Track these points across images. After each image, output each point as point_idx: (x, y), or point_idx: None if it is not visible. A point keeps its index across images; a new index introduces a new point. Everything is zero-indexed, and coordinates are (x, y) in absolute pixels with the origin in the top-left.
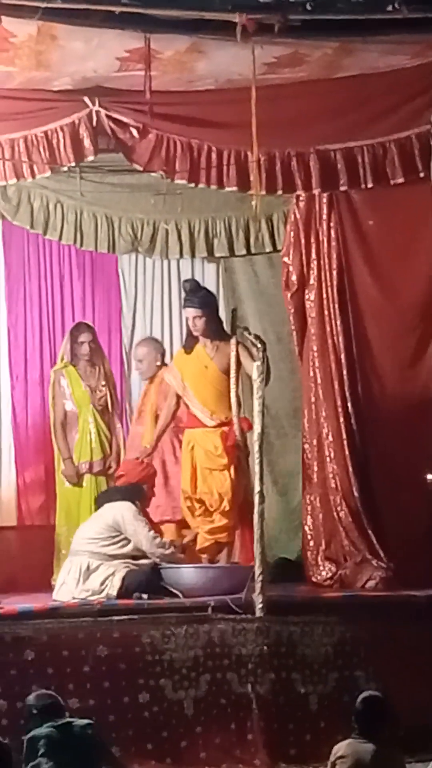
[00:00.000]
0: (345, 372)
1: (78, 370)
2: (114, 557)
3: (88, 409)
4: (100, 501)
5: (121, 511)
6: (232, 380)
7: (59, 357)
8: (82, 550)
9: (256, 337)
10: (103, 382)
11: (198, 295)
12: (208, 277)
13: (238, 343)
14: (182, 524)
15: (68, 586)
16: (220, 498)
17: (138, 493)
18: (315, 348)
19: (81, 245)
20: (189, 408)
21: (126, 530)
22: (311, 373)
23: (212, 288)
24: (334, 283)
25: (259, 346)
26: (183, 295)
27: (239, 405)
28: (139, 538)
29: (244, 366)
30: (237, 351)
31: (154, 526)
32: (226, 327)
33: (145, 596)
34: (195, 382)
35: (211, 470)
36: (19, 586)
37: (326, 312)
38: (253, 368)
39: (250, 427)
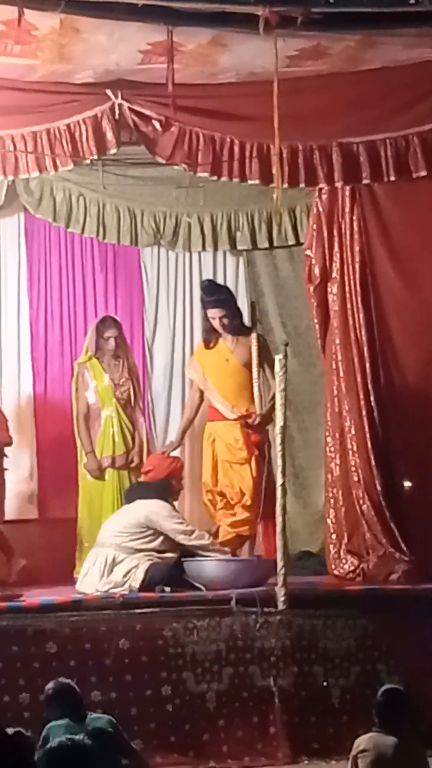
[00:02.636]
0: (368, 365)
1: (102, 363)
2: (140, 551)
3: (111, 403)
4: (129, 496)
5: (156, 509)
6: (254, 374)
7: (84, 350)
8: (109, 542)
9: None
10: (127, 376)
11: (218, 295)
12: (230, 270)
13: (258, 336)
14: None
15: (92, 578)
16: (241, 492)
17: (167, 489)
18: (337, 341)
19: (103, 238)
20: (210, 401)
21: (162, 528)
22: (334, 366)
23: (233, 281)
24: (357, 276)
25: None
26: (202, 295)
27: (261, 398)
28: (177, 535)
29: (263, 359)
30: (258, 344)
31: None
32: (247, 321)
33: (167, 589)
34: (216, 376)
35: (232, 464)
36: (41, 578)
37: (349, 305)
38: (276, 362)
39: (269, 421)
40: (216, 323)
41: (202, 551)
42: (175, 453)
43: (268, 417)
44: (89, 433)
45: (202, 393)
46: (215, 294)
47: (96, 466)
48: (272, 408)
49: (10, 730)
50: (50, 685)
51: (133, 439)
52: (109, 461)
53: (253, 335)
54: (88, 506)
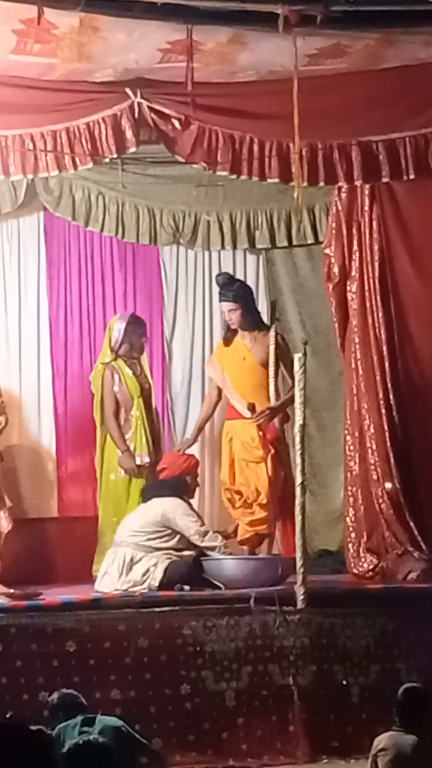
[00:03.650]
0: (387, 364)
1: (126, 362)
2: (158, 550)
3: (139, 402)
4: (145, 494)
5: (172, 507)
6: (271, 372)
7: (108, 348)
8: (127, 541)
9: (304, 341)
10: (145, 375)
11: (231, 289)
12: (249, 268)
13: (277, 334)
14: None
15: (111, 577)
16: (257, 490)
17: (183, 486)
18: (357, 340)
19: (122, 237)
20: (229, 400)
21: (177, 525)
22: (353, 365)
23: (253, 279)
24: (376, 274)
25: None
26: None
27: (278, 396)
28: (190, 533)
29: (281, 358)
30: (276, 343)
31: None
32: (266, 319)
33: (186, 587)
34: (233, 374)
35: (248, 462)
36: (60, 577)
37: (368, 304)
38: (295, 360)
39: (286, 419)
40: (226, 317)
41: (212, 553)
42: (193, 451)
43: (278, 410)
44: (122, 431)
45: (220, 391)
46: (228, 287)
47: (133, 464)
48: (283, 402)
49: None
50: (53, 695)
51: (155, 437)
52: (145, 459)
53: (271, 333)
54: (113, 505)
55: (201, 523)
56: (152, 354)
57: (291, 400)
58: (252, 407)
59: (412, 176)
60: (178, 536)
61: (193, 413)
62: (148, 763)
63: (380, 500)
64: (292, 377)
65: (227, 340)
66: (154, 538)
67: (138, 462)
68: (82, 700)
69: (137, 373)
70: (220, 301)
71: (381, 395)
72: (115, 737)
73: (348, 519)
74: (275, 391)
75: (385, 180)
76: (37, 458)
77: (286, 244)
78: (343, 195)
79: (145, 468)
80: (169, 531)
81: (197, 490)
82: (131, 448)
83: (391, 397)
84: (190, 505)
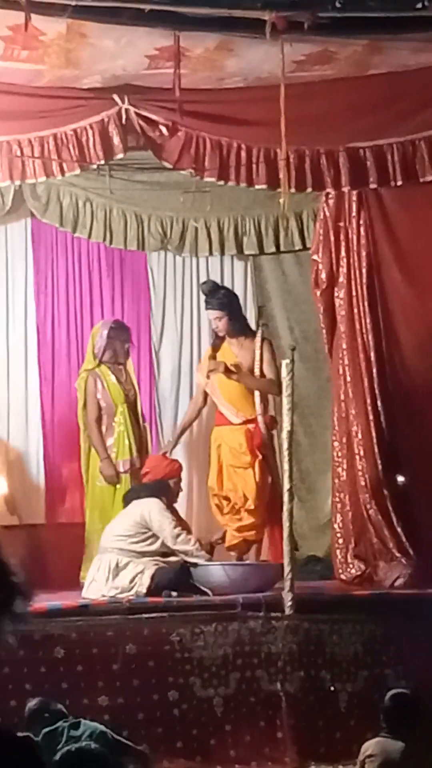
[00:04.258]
0: (374, 370)
1: (110, 368)
2: (143, 554)
3: (124, 408)
4: (127, 499)
5: (148, 506)
6: (257, 375)
7: (89, 355)
8: (111, 547)
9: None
10: (130, 381)
11: (217, 296)
12: (237, 274)
13: (263, 340)
14: None
15: (97, 584)
16: (244, 496)
17: (164, 489)
18: (344, 346)
19: (110, 243)
20: (217, 406)
21: (152, 526)
22: (341, 371)
23: (241, 286)
24: (364, 280)
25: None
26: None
27: (263, 402)
28: (164, 534)
29: (265, 363)
30: (261, 349)
31: (182, 523)
32: (253, 325)
33: (174, 594)
34: (221, 380)
35: (236, 468)
36: (47, 583)
37: (356, 310)
38: (283, 366)
39: (274, 425)
40: (213, 324)
41: (186, 556)
42: (179, 457)
43: (244, 378)
44: (103, 439)
45: (206, 396)
46: (213, 295)
47: (113, 471)
48: (258, 381)
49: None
50: (31, 703)
51: (140, 443)
52: (127, 466)
53: (257, 338)
54: (99, 512)
55: (176, 525)
56: (140, 360)
57: (266, 386)
58: (225, 367)
59: (399, 182)
60: (161, 539)
61: (181, 419)
62: (135, 764)
63: (368, 506)
64: (280, 383)
65: (215, 347)
66: (138, 542)
67: (121, 469)
68: (60, 706)
69: (122, 380)
70: (207, 309)
71: (369, 401)
72: (103, 743)
73: (336, 525)
74: (260, 397)
75: (372, 186)
76: (24, 464)
77: (273, 250)
78: (331, 201)
79: (126, 475)
80: (151, 533)
81: (185, 496)
82: (113, 455)
83: (378, 403)
84: (173, 510)
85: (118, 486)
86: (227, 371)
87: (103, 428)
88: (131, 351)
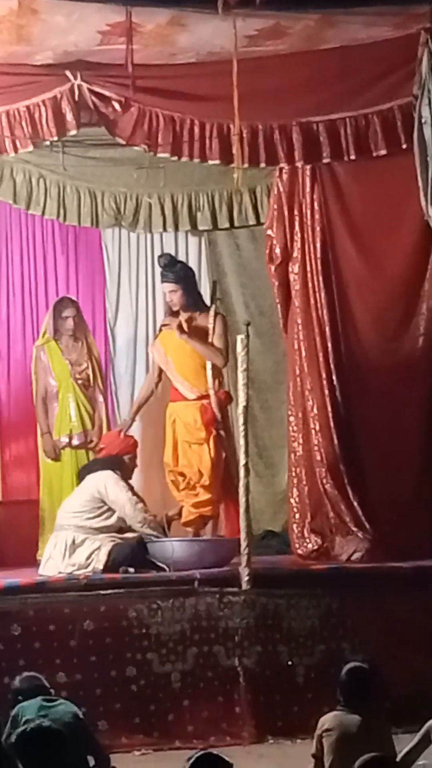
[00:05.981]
0: (329, 344)
1: (60, 344)
2: (99, 530)
3: (69, 384)
4: (81, 474)
5: (103, 479)
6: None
7: (41, 332)
8: (67, 524)
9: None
10: (86, 357)
11: (173, 270)
12: (192, 250)
13: (216, 314)
14: None
15: (54, 561)
16: (199, 472)
17: (118, 463)
18: (299, 321)
19: (64, 220)
20: (172, 382)
21: (108, 497)
22: (295, 346)
23: (195, 261)
24: (318, 255)
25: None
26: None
27: (217, 378)
28: (121, 503)
29: (216, 336)
30: (214, 323)
31: (137, 498)
32: (207, 300)
33: (131, 570)
34: (176, 356)
35: (191, 444)
36: (4, 561)
37: (310, 285)
38: (238, 341)
39: (229, 400)
40: (167, 297)
41: (144, 525)
42: (134, 433)
43: (193, 334)
44: (47, 414)
45: (161, 373)
46: (169, 268)
47: (51, 446)
48: (211, 346)
49: None
50: (17, 681)
51: (92, 419)
52: (66, 441)
53: (211, 313)
54: (48, 488)
55: (131, 495)
56: (95, 337)
57: (211, 354)
58: (179, 324)
59: (353, 157)
60: (117, 514)
61: (137, 396)
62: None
63: (324, 481)
64: (234, 357)
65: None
66: (93, 517)
67: (60, 445)
68: (44, 682)
69: (74, 355)
70: (162, 282)
71: (324, 376)
72: (71, 723)
73: (292, 500)
74: (212, 372)
75: (326, 161)
76: None
77: (228, 225)
78: (285, 176)
79: (69, 450)
80: (106, 507)
81: (140, 472)
82: (54, 431)
83: (334, 377)
84: (129, 486)
85: (62, 462)
86: (180, 328)
87: (55, 404)
88: None
